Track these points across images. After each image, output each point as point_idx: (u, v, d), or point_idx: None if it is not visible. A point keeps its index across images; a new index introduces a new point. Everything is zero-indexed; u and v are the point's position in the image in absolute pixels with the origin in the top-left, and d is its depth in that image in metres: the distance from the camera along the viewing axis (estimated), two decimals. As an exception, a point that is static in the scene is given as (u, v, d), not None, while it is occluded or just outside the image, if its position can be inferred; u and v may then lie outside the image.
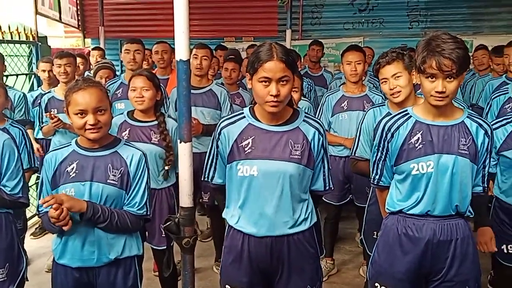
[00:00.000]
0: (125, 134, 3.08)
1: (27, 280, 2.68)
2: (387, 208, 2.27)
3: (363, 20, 8.02)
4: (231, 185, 2.15)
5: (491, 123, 2.64)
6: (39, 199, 2.24)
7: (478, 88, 5.05)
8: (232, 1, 8.07)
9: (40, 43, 5.99)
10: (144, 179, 2.27)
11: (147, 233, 3.12)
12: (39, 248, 4.41)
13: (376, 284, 2.27)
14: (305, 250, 2.16)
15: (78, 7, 8.61)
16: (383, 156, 2.22)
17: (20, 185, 2.46)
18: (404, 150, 2.14)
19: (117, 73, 5.06)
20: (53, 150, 2.29)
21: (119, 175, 2.20)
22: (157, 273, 3.75)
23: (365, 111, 3.19)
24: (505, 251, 2.74)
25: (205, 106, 3.87)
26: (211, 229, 4.56)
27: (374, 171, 2.29)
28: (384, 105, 2.91)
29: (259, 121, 2.11)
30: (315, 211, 2.26)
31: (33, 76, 5.83)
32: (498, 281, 3.04)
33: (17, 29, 5.64)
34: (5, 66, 4.41)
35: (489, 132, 2.13)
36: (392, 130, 2.17)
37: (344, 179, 3.83)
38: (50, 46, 6.44)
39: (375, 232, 2.73)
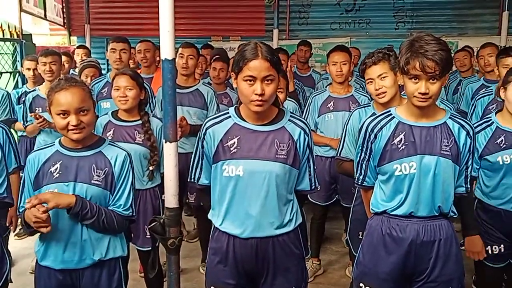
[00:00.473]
0: (110, 134, 3.05)
1: (11, 282, 2.63)
2: (371, 209, 2.29)
3: (349, 20, 8.05)
4: (217, 185, 2.14)
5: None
6: (20, 200, 2.22)
7: (462, 89, 5.08)
8: (220, 0, 8.04)
9: (24, 41, 5.95)
10: (129, 180, 2.25)
11: (132, 234, 3.11)
12: (23, 249, 4.36)
13: (361, 285, 2.28)
14: (290, 251, 2.16)
15: (64, 5, 8.53)
16: (366, 157, 2.24)
17: (4, 185, 2.41)
18: (387, 151, 2.15)
19: (103, 71, 5.01)
20: (36, 150, 2.26)
21: (103, 176, 2.18)
22: (142, 274, 3.73)
23: (351, 111, 3.20)
24: (490, 251, 2.75)
25: (191, 106, 3.85)
26: (197, 230, 4.55)
27: (358, 172, 2.31)
28: (370, 105, 2.92)
29: (244, 120, 2.11)
30: (301, 212, 2.26)
31: (17, 74, 5.78)
32: (480, 281, 3.07)
33: (1, 27, 5.59)
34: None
35: (471, 133, 2.15)
36: (375, 130, 2.18)
37: (330, 180, 3.84)
38: (35, 44, 6.39)
39: (360, 233, 2.74)
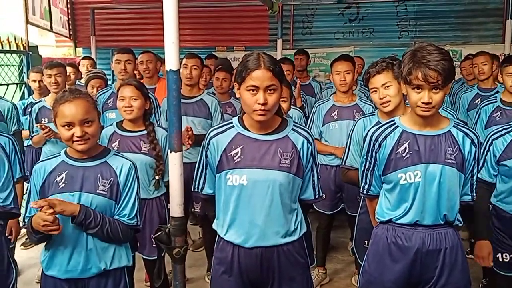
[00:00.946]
0: (115, 145, 3.07)
1: (17, 291, 2.65)
2: (376, 217, 2.28)
3: (353, 29, 8.06)
4: (221, 195, 2.15)
5: (491, 133, 2.67)
6: (25, 210, 2.23)
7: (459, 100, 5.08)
8: (224, 11, 8.09)
9: (31, 53, 5.99)
10: (134, 189, 2.26)
11: (138, 243, 3.12)
12: (29, 259, 4.37)
13: (367, 293, 2.28)
14: (295, 261, 2.16)
15: (69, 17, 8.61)
16: (371, 166, 2.24)
17: (11, 196, 2.43)
18: (392, 160, 2.15)
19: (109, 82, 5.05)
20: (42, 161, 2.29)
21: (109, 186, 2.19)
22: (148, 284, 3.74)
23: (355, 120, 3.20)
24: (500, 259, 2.73)
25: (196, 116, 3.87)
26: (203, 239, 4.54)
27: (363, 181, 2.31)
28: (374, 114, 2.92)
29: (248, 130, 2.12)
30: (306, 221, 2.26)
31: (24, 85, 5.82)
32: (491, 289, 3.05)
33: (7, 39, 5.64)
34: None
35: (476, 141, 2.15)
36: (379, 140, 2.19)
37: (335, 188, 3.84)
38: (41, 56, 6.44)
39: (366, 241, 2.72)
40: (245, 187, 2.06)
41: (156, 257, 3.17)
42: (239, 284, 2.15)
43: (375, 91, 2.76)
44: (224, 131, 2.15)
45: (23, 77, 5.80)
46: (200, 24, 8.14)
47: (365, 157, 2.26)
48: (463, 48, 7.55)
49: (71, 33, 8.67)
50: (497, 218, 2.78)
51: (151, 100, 3.28)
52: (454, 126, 2.16)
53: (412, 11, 7.84)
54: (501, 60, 4.61)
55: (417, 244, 2.13)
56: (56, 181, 2.18)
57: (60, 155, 2.26)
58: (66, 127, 2.13)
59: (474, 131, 2.19)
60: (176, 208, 2.62)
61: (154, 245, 3.09)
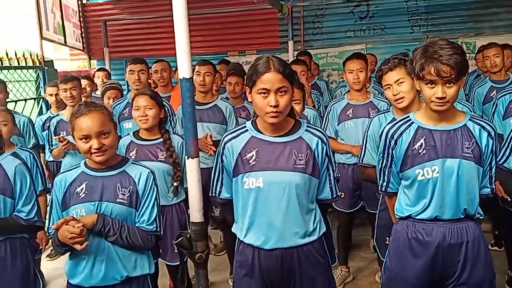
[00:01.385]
0: (133, 154, 3.11)
1: (44, 303, 2.71)
2: (396, 214, 2.28)
3: (364, 27, 8.03)
4: (238, 198, 2.16)
5: None
6: (49, 221, 2.28)
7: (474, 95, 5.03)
8: (234, 16, 8.12)
9: (46, 67, 6.09)
10: (153, 196, 2.29)
11: (160, 249, 3.15)
12: (55, 270, 4.44)
13: (389, 290, 2.27)
14: (316, 261, 2.16)
15: (82, 30, 8.74)
16: (388, 163, 2.24)
17: (35, 209, 2.50)
18: (409, 156, 2.15)
19: (124, 92, 5.11)
20: (62, 172, 2.34)
21: (128, 194, 2.23)
22: (172, 289, 3.77)
23: (370, 118, 3.20)
24: None
25: (211, 122, 3.90)
26: (224, 243, 4.57)
27: (381, 178, 2.30)
28: (389, 111, 2.92)
29: (261, 133, 2.14)
30: (325, 220, 2.26)
31: (41, 100, 5.91)
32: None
33: (23, 55, 5.74)
34: (8, 92, 4.45)
35: (492, 133, 2.13)
36: (395, 137, 2.18)
37: (354, 186, 3.83)
38: (56, 70, 6.54)
39: (387, 238, 2.72)
40: (262, 190, 2.08)
41: (178, 263, 3.20)
42: (261, 286, 2.16)
43: (389, 88, 2.76)
44: (238, 135, 2.17)
45: (40, 92, 5.90)
46: (211, 30, 8.20)
47: (381, 154, 2.26)
48: (476, 40, 7.47)
49: (84, 46, 8.80)
50: None
51: (166, 108, 3.32)
52: (470, 119, 2.14)
53: (423, 5, 7.79)
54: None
55: (438, 239, 2.12)
56: (77, 191, 2.22)
57: (79, 166, 2.31)
58: (83, 140, 2.17)
59: (491, 124, 2.17)
60: (195, 213, 2.65)
61: (176, 251, 3.12)
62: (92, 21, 8.76)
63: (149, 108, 3.12)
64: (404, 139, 2.16)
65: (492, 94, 4.47)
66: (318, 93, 5.35)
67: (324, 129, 3.78)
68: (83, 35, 8.76)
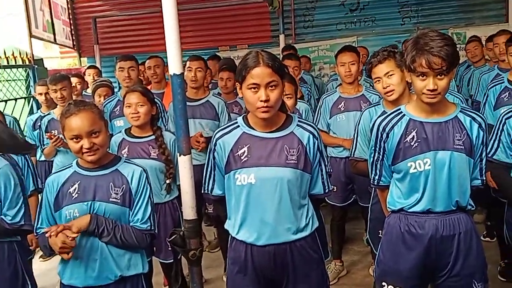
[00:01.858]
0: (125, 152, 3.09)
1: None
2: (388, 207, 2.28)
3: (355, 19, 8.03)
4: (231, 195, 2.16)
5: (503, 113, 2.65)
6: (37, 221, 2.27)
7: (475, 79, 5.06)
8: (224, 10, 8.10)
9: (36, 66, 6.06)
10: (146, 195, 2.28)
11: (154, 247, 3.15)
12: (48, 271, 4.42)
13: (383, 283, 2.28)
14: (309, 256, 2.16)
15: (72, 27, 8.68)
16: (380, 156, 2.24)
17: (21, 213, 2.45)
18: (400, 149, 2.15)
19: (115, 90, 5.08)
20: (54, 173, 2.32)
21: (121, 193, 2.22)
22: (167, 287, 3.77)
23: (362, 111, 3.20)
24: None
25: (203, 118, 3.88)
26: (218, 240, 4.56)
27: (373, 172, 2.30)
28: (380, 104, 2.92)
29: (253, 129, 2.13)
30: (318, 215, 2.26)
31: (31, 99, 5.88)
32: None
33: (12, 54, 5.69)
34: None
35: (483, 125, 2.14)
36: (387, 130, 2.18)
37: (346, 180, 3.84)
38: (46, 68, 6.51)
39: (380, 231, 2.72)
40: (254, 186, 2.07)
41: (172, 260, 3.20)
42: (255, 282, 2.16)
43: (378, 80, 2.76)
44: (229, 131, 2.16)
45: (30, 91, 5.86)
46: (201, 25, 8.17)
47: (373, 148, 2.26)
48: (466, 30, 7.49)
49: (74, 43, 8.75)
50: None
51: (157, 105, 3.30)
52: (461, 111, 2.14)
53: (413, -3, 7.80)
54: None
55: (430, 231, 2.13)
56: (70, 191, 2.21)
57: (71, 166, 2.29)
58: (74, 139, 2.15)
59: (481, 115, 2.18)
60: (188, 210, 2.64)
61: (170, 249, 3.11)
62: (82, 18, 8.71)
63: (141, 105, 3.10)
64: (396, 132, 2.16)
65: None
66: (308, 86, 5.35)
67: (316, 123, 3.78)
68: (73, 32, 8.70)
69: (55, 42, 7.85)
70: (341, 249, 4.15)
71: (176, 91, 2.56)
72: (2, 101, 5.20)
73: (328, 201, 3.87)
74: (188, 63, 3.89)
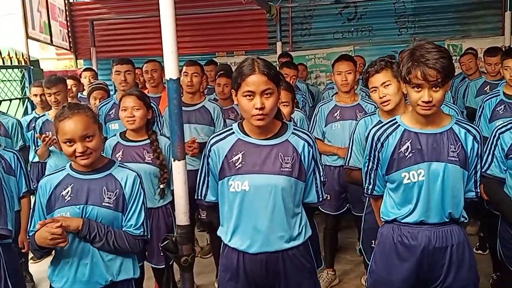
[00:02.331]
0: (119, 155, 3.08)
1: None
2: (381, 217, 2.28)
3: (352, 29, 8.07)
4: (224, 202, 2.15)
5: (497, 127, 2.66)
6: (30, 224, 2.24)
7: (472, 92, 5.09)
8: (222, 17, 8.12)
9: (32, 67, 6.04)
10: (140, 200, 2.27)
11: (146, 252, 3.13)
12: (39, 272, 4.38)
13: (375, 294, 2.28)
14: (301, 265, 2.15)
15: (69, 29, 8.67)
16: (374, 166, 2.24)
17: (3, 218, 2.32)
18: (395, 160, 2.15)
19: (111, 93, 5.07)
20: (47, 175, 2.30)
21: (114, 198, 2.20)
22: (158, 292, 3.74)
23: (357, 120, 3.20)
24: None
25: (198, 123, 3.88)
26: (211, 246, 4.54)
27: (367, 181, 2.30)
28: (375, 114, 2.92)
29: (248, 135, 2.12)
30: (311, 223, 2.26)
31: (26, 100, 5.85)
32: (505, 285, 3.00)
33: (8, 54, 5.68)
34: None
35: (478, 137, 2.14)
36: (381, 139, 2.18)
37: (340, 189, 3.83)
38: (42, 69, 6.48)
39: (373, 241, 2.72)
40: (248, 193, 2.06)
41: (164, 266, 3.17)
42: (247, 290, 2.15)
43: (375, 90, 2.76)
44: (224, 137, 2.15)
45: (25, 92, 5.83)
46: (199, 30, 8.19)
47: (367, 157, 2.26)
48: (463, 42, 7.54)
49: (71, 45, 8.74)
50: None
51: (153, 109, 3.29)
52: (456, 123, 2.15)
53: (410, 8, 7.86)
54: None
55: (423, 243, 2.13)
56: (62, 194, 2.19)
57: (65, 168, 2.27)
58: (67, 143, 2.14)
59: (476, 127, 2.18)
60: (182, 216, 2.63)
61: (162, 254, 3.08)
62: (79, 21, 8.71)
63: (137, 109, 3.09)
64: (391, 142, 2.16)
65: (486, 89, 4.55)
66: (304, 94, 5.36)
67: (312, 131, 3.78)
68: (70, 34, 8.69)
69: (51, 43, 7.83)
70: (333, 258, 4.14)
71: (172, 96, 2.56)
72: (-4, 101, 5.19)
73: (322, 210, 3.86)
74: (184, 68, 3.89)
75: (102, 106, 4.11)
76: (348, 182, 3.21)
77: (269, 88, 1.99)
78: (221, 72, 4.73)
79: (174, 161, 2.60)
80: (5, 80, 5.60)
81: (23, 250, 3.04)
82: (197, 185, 2.26)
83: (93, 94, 4.57)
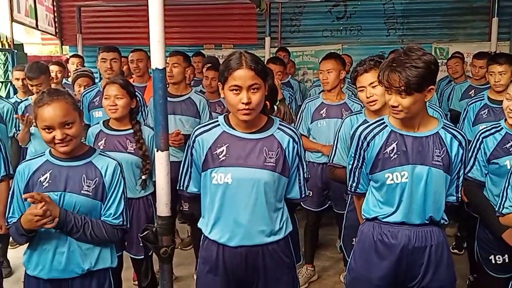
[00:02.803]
0: (101, 144, 3.04)
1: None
2: (363, 214, 2.29)
3: (341, 27, 8.09)
4: (206, 193, 2.13)
5: (481, 132, 2.68)
6: (8, 210, 2.20)
7: (457, 95, 5.12)
8: (212, 9, 8.07)
9: (16, 51, 5.94)
10: (120, 189, 2.24)
11: (125, 242, 3.10)
12: (17, 258, 4.32)
13: (353, 291, 2.28)
14: (280, 260, 2.15)
15: (55, 14, 8.53)
16: (359, 164, 2.24)
17: None
18: (379, 160, 2.15)
19: (96, 80, 5.00)
20: (26, 161, 2.26)
21: (94, 186, 2.17)
22: (136, 283, 3.72)
23: (343, 118, 3.21)
24: (493, 261, 2.72)
25: (184, 114, 3.85)
26: (191, 237, 4.53)
27: (351, 179, 2.31)
28: (361, 112, 2.93)
29: (233, 128, 2.11)
30: (293, 219, 2.25)
31: (9, 83, 5.76)
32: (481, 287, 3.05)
33: (-8, 37, 5.57)
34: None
35: (463, 143, 2.15)
36: (368, 138, 2.19)
37: (322, 186, 3.84)
38: (26, 54, 6.38)
39: (354, 239, 2.73)
40: (230, 186, 2.05)
41: (143, 256, 3.15)
42: (225, 283, 2.14)
43: (362, 89, 2.76)
44: (209, 129, 2.14)
45: (8, 76, 5.74)
46: (187, 22, 8.12)
47: (353, 155, 2.26)
48: (449, 46, 7.62)
49: (57, 31, 8.61)
50: None
51: (138, 98, 3.26)
52: (442, 127, 2.16)
53: (400, 9, 7.90)
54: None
55: (403, 242, 2.14)
56: (40, 180, 2.15)
57: (44, 154, 2.23)
58: (46, 130, 2.09)
59: (463, 133, 2.19)
60: (163, 207, 2.61)
61: (141, 245, 3.06)
62: (66, 6, 8.57)
63: (119, 98, 3.04)
64: (377, 142, 2.17)
65: (471, 93, 4.58)
66: (292, 90, 5.35)
67: (298, 127, 3.78)
68: (56, 19, 8.55)
69: (36, 28, 7.70)
70: (313, 254, 4.16)
71: (157, 86, 2.53)
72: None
73: (303, 206, 3.87)
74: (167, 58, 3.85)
75: (86, 93, 4.06)
76: (331, 179, 3.22)
77: (256, 83, 1.98)
78: (209, 65, 4.70)
79: (157, 151, 2.57)
80: (-13, 63, 5.50)
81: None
82: (179, 176, 2.24)
83: (77, 81, 4.50)
